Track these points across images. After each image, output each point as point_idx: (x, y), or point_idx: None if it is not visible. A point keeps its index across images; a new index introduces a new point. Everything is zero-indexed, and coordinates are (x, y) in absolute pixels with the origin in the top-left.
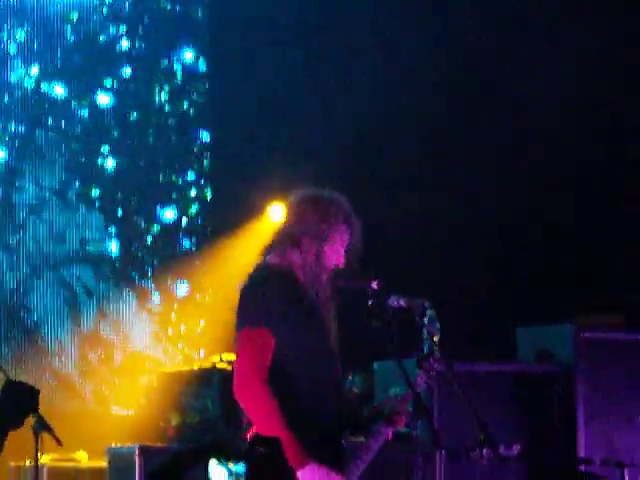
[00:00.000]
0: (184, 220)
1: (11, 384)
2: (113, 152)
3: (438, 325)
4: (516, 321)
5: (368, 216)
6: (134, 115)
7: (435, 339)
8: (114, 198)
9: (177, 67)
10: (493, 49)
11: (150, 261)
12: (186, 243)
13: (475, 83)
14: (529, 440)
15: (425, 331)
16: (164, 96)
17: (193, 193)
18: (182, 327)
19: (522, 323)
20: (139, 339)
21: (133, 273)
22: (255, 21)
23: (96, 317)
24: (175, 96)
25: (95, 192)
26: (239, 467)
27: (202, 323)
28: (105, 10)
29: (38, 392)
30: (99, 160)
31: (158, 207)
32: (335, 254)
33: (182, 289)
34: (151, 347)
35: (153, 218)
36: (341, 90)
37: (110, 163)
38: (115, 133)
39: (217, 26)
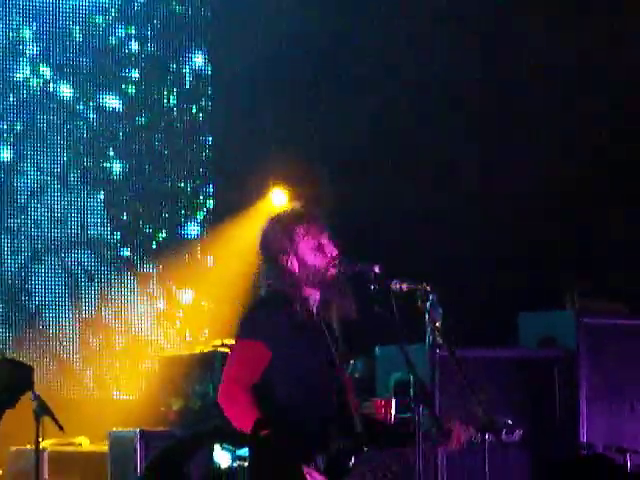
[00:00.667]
0: (191, 227)
1: (2, 362)
2: (119, 155)
3: (440, 310)
4: (518, 307)
5: (370, 205)
6: (142, 118)
7: (437, 324)
8: (120, 202)
9: (186, 71)
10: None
11: (156, 268)
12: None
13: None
14: (531, 426)
15: (427, 316)
16: (172, 100)
17: (201, 199)
18: (187, 334)
19: (523, 309)
20: (140, 324)
21: (134, 257)
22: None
23: (97, 301)
24: (184, 100)
25: (100, 195)
26: (243, 451)
27: (206, 333)
28: (114, 11)
29: (30, 369)
30: (105, 163)
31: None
32: (316, 252)
33: (187, 296)
34: (152, 331)
35: (160, 224)
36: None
37: (116, 167)
38: (122, 136)
39: (221, 28)
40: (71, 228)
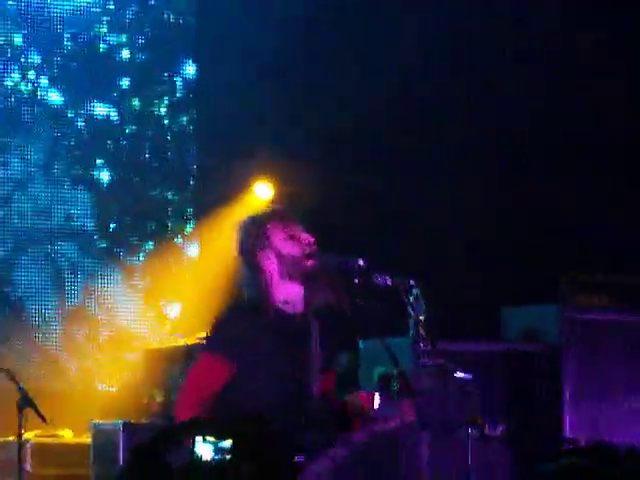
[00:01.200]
0: (179, 238)
1: None
2: (108, 165)
3: (423, 304)
4: (502, 300)
5: (354, 197)
6: (131, 127)
7: (420, 317)
8: (107, 212)
9: (178, 80)
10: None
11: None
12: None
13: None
14: (514, 420)
15: (411, 310)
16: (163, 110)
17: (189, 211)
18: None
19: (508, 303)
20: (124, 316)
21: (118, 249)
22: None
23: (81, 293)
24: (174, 110)
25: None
26: (225, 443)
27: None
28: (106, 18)
29: None
30: (94, 172)
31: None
32: (291, 241)
33: (174, 310)
34: (136, 324)
35: (147, 235)
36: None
37: (104, 176)
38: (111, 145)
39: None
40: (56, 219)
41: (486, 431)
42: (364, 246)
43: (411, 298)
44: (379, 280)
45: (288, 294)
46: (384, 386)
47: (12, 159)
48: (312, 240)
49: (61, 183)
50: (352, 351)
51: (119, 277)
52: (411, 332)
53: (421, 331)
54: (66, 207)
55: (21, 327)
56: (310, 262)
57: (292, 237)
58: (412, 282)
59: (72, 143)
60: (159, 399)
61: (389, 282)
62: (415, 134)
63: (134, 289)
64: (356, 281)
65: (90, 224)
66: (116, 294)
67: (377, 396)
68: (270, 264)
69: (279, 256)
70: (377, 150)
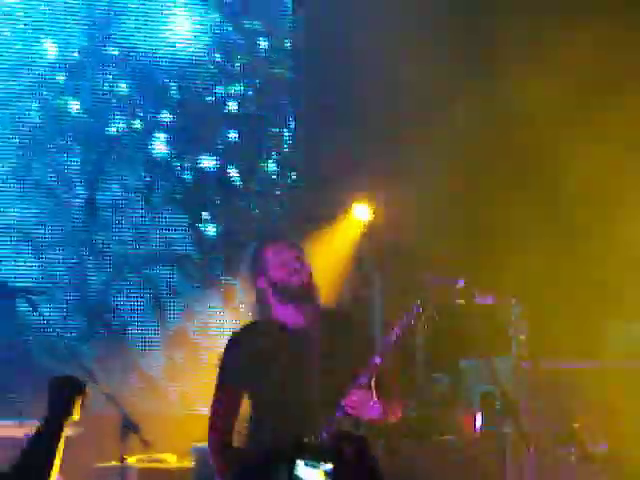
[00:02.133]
0: None
1: (54, 378)
2: (214, 218)
3: (525, 322)
4: (606, 317)
5: (456, 217)
6: (238, 181)
7: (522, 337)
8: (214, 264)
9: (285, 134)
10: None
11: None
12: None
13: None
14: (616, 438)
15: (512, 328)
16: (272, 164)
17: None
18: None
19: (612, 319)
20: (224, 339)
21: (218, 272)
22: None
23: (182, 317)
24: (282, 165)
25: (194, 256)
26: (326, 466)
27: None
28: (213, 69)
29: (79, 382)
30: (200, 225)
31: None
32: (281, 268)
33: None
34: None
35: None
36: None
37: (211, 229)
38: (218, 199)
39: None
40: (155, 245)
41: (589, 449)
42: (466, 266)
43: (513, 317)
44: (480, 300)
45: (285, 317)
46: (486, 405)
47: (111, 184)
48: (297, 266)
49: (160, 209)
50: (453, 371)
51: (218, 300)
52: (513, 351)
53: (523, 350)
54: (166, 232)
55: (122, 352)
56: (294, 281)
57: (282, 263)
58: (514, 301)
59: (177, 196)
60: None
61: (491, 301)
62: (525, 156)
63: (234, 312)
64: (457, 301)
65: (191, 249)
66: (216, 317)
67: (479, 415)
68: (266, 289)
69: (270, 282)
70: (478, 170)
